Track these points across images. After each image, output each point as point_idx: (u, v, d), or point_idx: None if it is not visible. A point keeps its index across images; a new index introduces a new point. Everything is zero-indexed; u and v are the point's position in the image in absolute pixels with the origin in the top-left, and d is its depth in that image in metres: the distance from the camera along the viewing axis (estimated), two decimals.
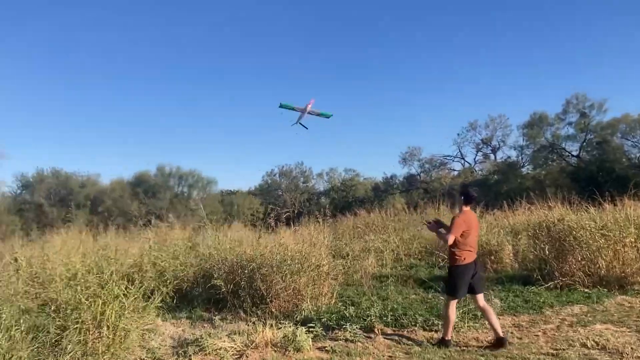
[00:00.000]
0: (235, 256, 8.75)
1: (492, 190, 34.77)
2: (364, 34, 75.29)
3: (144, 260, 8.87)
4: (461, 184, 8.20)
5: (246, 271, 8.32)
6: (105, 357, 5.02)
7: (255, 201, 42.75)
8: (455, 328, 6.65)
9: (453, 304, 6.10)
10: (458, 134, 46.36)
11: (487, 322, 6.22)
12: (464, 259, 6.05)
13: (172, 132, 71.76)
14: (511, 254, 11.85)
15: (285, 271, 8.12)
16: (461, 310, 6.92)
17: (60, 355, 4.68)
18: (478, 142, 45.75)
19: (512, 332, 6.54)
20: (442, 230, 6.25)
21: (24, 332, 4.68)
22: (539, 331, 6.56)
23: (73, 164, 77.60)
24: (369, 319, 7.06)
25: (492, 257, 11.91)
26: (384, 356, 5.78)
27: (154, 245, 9.69)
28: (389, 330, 6.81)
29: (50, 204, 32.35)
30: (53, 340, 4.80)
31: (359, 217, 20.67)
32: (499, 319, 7.11)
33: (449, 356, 5.66)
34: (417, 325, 6.86)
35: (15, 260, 10.79)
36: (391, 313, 7.35)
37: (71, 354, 4.74)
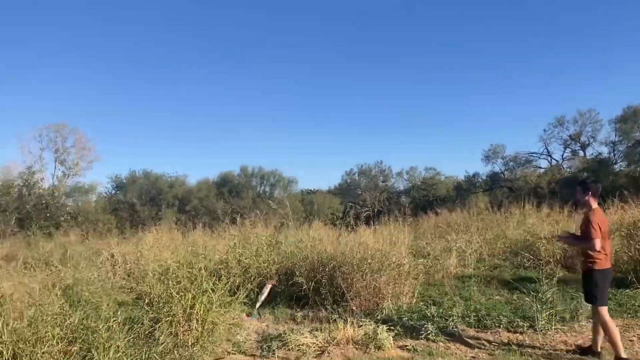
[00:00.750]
0: (316, 254, 8.92)
1: None
2: (451, 29, 73.53)
3: (229, 257, 9.22)
4: (581, 179, 7.41)
5: (327, 269, 8.45)
6: (194, 349, 5.28)
7: (334, 200, 43.01)
8: (542, 330, 6.43)
9: (605, 311, 5.36)
10: (544, 130, 44.25)
11: (605, 336, 5.48)
12: (603, 263, 5.39)
13: (254, 133, 73.45)
14: None
15: (365, 270, 8.17)
16: (548, 313, 6.66)
17: (153, 346, 4.98)
18: (566, 138, 43.43)
19: (604, 337, 6.21)
20: (578, 241, 5.61)
21: (120, 324, 5.02)
22: (634, 336, 6.20)
23: (162, 165, 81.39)
24: (450, 319, 6.97)
25: (582, 259, 11.33)
26: (466, 357, 5.69)
27: (239, 242, 10.02)
28: (471, 331, 6.68)
29: (141, 203, 34.23)
30: (147, 332, 5.12)
31: (440, 216, 20.39)
32: (590, 322, 6.81)
33: (535, 359, 5.47)
34: (501, 326, 6.69)
35: (112, 256, 11.58)
36: (474, 314, 7.22)
37: (163, 345, 5.03)
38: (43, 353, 4.45)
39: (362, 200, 44.02)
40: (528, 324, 6.67)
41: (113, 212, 33.40)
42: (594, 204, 5.54)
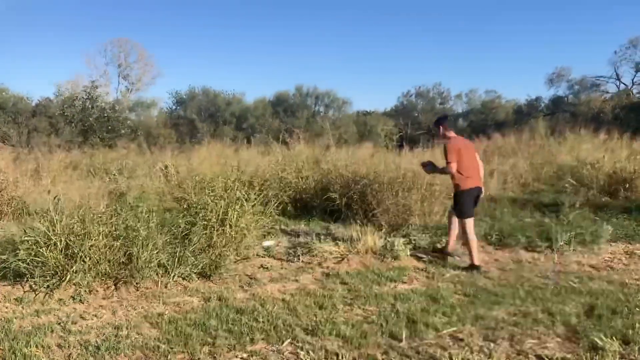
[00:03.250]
0: (350, 172, 9.30)
1: None
2: None
3: (267, 171, 9.77)
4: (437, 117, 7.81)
5: (359, 186, 8.84)
6: (223, 249, 5.88)
7: (389, 122, 42.75)
8: (559, 250, 6.66)
9: (469, 224, 6.19)
10: (615, 52, 41.58)
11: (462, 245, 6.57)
12: (465, 184, 6.21)
13: (311, 53, 72.71)
14: None
15: (396, 188, 8.50)
16: (568, 234, 6.84)
17: (187, 245, 5.60)
18: (638, 61, 40.74)
19: (620, 259, 6.40)
20: (439, 166, 6.46)
21: (158, 225, 5.64)
22: None
23: (220, 82, 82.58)
24: None
25: (626, 185, 11.21)
26: None
27: (282, 159, 10.54)
28: (490, 249, 6.98)
29: (200, 119, 35.32)
30: (183, 234, 5.74)
31: (491, 141, 20.16)
32: (611, 245, 6.96)
33: (544, 275, 5.75)
34: (519, 245, 6.94)
35: (166, 167, 12.40)
36: (497, 233, 7.47)
37: (196, 244, 5.65)
38: (90, 246, 5.12)
39: (417, 123, 43.56)
40: (547, 244, 6.89)
41: (173, 127, 34.72)
42: (451, 133, 6.38)
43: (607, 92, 41.94)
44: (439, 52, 68.94)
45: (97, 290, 5.16)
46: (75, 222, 5.30)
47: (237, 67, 71.97)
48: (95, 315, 4.61)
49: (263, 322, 4.39)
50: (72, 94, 26.62)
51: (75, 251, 5.11)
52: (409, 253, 6.44)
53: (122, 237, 5.34)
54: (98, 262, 5.20)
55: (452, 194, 6.49)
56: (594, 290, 5.10)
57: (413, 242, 6.98)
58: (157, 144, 23.61)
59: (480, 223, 7.84)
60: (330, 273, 5.87)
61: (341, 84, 71.03)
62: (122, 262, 5.33)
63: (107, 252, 5.27)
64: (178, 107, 40.52)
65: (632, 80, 41.77)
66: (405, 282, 5.56)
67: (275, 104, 40.72)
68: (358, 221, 8.37)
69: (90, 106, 24.38)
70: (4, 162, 10.69)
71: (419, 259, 6.46)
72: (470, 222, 6.22)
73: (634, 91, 40.77)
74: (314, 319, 4.46)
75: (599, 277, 5.62)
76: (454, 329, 4.20)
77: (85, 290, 5.08)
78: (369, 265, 6.10)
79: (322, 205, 9.27)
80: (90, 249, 5.14)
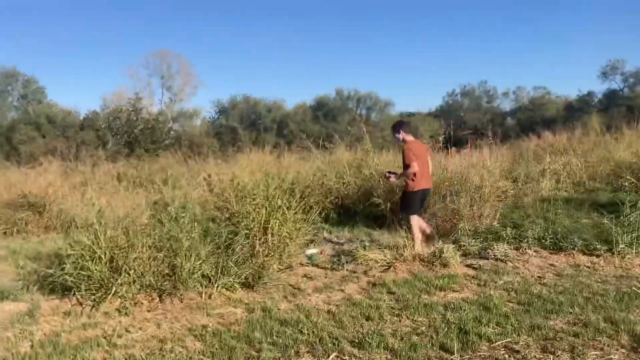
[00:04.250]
0: None
1: None
2: None
3: (308, 178, 9.65)
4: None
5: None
6: (266, 258, 5.78)
7: (434, 123, 42.10)
8: (620, 253, 6.26)
9: (414, 220, 6.66)
10: None
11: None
12: (416, 185, 6.61)
13: (351, 55, 72.64)
14: None
15: (444, 192, 8.23)
16: (630, 236, 6.42)
17: (230, 255, 5.52)
18: None
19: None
20: (398, 172, 6.83)
21: (201, 235, 5.60)
22: None
23: (261, 90, 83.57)
24: (525, 240, 6.93)
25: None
26: (532, 276, 5.71)
27: (323, 165, 10.41)
28: (545, 253, 6.63)
29: (242, 127, 35.70)
30: (226, 244, 5.67)
31: (542, 139, 19.50)
32: None
33: (604, 280, 5.40)
34: (576, 248, 6.56)
35: (209, 176, 12.47)
36: (551, 236, 7.10)
37: (238, 255, 5.56)
38: (134, 258, 5.11)
39: (463, 123, 42.74)
40: (607, 247, 6.48)
41: (216, 136, 35.21)
42: (409, 137, 6.80)
43: None
44: (484, 49, 67.61)
45: (141, 303, 5.14)
46: (119, 234, 5.31)
47: (277, 73, 72.61)
48: (140, 328, 4.57)
49: (308, 334, 4.24)
50: (117, 107, 27.33)
51: (120, 264, 5.11)
52: (459, 260, 6.16)
53: (165, 249, 5.32)
54: (142, 275, 5.18)
55: (401, 193, 6.94)
56: None
57: (463, 248, 6.70)
58: (200, 153, 23.92)
59: (533, 226, 7.49)
60: (377, 282, 5.68)
61: (382, 86, 70.35)
62: (166, 273, 5.30)
63: (151, 263, 5.25)
64: (220, 116, 41.16)
65: None
66: (455, 291, 5.30)
67: (316, 109, 40.83)
68: (404, 227, 8.16)
69: (134, 118, 24.93)
70: (52, 176, 10.96)
71: (469, 266, 6.18)
72: (415, 219, 6.71)
73: None
74: (361, 330, 4.28)
75: None
76: (509, 339, 3.94)
77: (130, 303, 5.07)
78: (417, 274, 5.87)
79: (365, 211, 9.09)
80: (134, 261, 5.13)
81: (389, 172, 7.02)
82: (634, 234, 6.47)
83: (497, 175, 9.59)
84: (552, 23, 67.06)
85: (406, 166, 6.54)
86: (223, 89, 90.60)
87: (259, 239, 5.98)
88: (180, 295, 5.22)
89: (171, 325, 4.63)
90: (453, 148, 12.38)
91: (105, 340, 4.31)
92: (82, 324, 4.70)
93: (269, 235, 6.01)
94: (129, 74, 43.86)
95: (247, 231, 5.93)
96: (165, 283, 5.24)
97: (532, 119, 42.70)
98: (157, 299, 5.24)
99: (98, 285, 5.10)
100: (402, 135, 6.77)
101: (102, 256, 5.12)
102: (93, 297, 5.07)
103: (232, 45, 73.12)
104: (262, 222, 6.00)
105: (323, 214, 8.46)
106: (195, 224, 5.57)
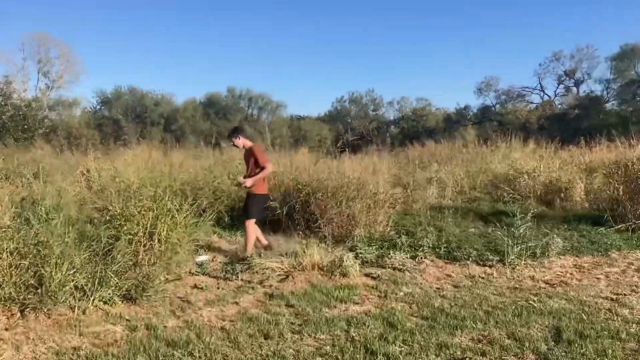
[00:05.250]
0: (291, 180, 8.77)
1: (570, 125, 32.81)
2: None
3: (199, 178, 9.06)
4: (232, 128, 8.44)
5: (301, 195, 8.33)
6: (153, 267, 5.18)
7: (323, 127, 42.57)
8: (511, 264, 6.42)
9: (253, 224, 6.79)
10: (540, 65, 43.58)
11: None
12: (262, 189, 6.85)
13: (245, 54, 71.68)
14: (582, 193, 11.24)
15: (340, 197, 8.07)
16: (519, 247, 6.63)
17: (110, 263, 4.85)
18: (561, 74, 42.82)
19: (572, 273, 6.21)
20: (255, 175, 6.72)
21: (76, 240, 4.87)
22: (601, 274, 6.19)
23: (148, 82, 79.80)
24: (420, 249, 6.92)
25: (562, 195, 11.35)
26: (431, 287, 5.64)
27: (213, 164, 9.84)
28: (440, 263, 6.65)
29: (127, 120, 33.63)
30: (105, 250, 4.97)
31: (426, 148, 20.27)
32: (560, 259, 6.82)
33: (500, 293, 5.44)
34: (471, 259, 6.65)
35: (88, 171, 11.35)
36: (445, 245, 7.18)
37: (120, 263, 4.90)
38: None
39: (350, 129, 43.61)
40: (498, 258, 6.63)
41: (97, 128, 32.84)
42: (248, 143, 6.93)
43: (532, 103, 43.84)
44: (371, 59, 69.87)
45: None
46: None
47: (166, 67, 69.81)
48: None
49: (200, 357, 3.76)
50: None
51: None
52: (358, 269, 5.96)
53: (31, 255, 4.55)
54: (0, 286, 4.39)
55: (246, 197, 6.87)
56: (556, 310, 4.81)
57: (360, 256, 6.53)
58: (78, 145, 22.09)
59: (427, 234, 7.54)
60: (274, 293, 5.29)
61: (274, 88, 70.22)
62: (31, 284, 4.53)
63: (12, 272, 4.47)
64: (102, 107, 38.53)
65: (555, 92, 43.92)
66: (357, 303, 5.06)
67: (207, 105, 39.61)
68: (300, 232, 7.88)
69: (3, 103, 22.41)
70: None
71: (368, 275, 6.01)
72: (253, 223, 6.78)
73: (557, 102, 42.78)
74: (259, 352, 3.87)
75: (556, 294, 5.36)
76: None
77: None
78: (316, 284, 5.57)
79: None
80: None
81: (242, 180, 6.86)
82: (522, 246, 6.68)
83: (383, 181, 9.63)
84: (435, 38, 70.83)
85: (259, 167, 6.69)
86: (109, 80, 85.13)
87: (144, 245, 5.36)
88: (48, 310, 4.47)
89: (34, 347, 3.91)
90: (345, 153, 12.41)
91: None
92: None
93: (156, 241, 5.40)
94: (1, 57, 39.41)
95: (131, 236, 5.28)
96: (30, 296, 4.47)
97: (415, 129, 44.69)
98: (19, 314, 4.45)
99: None
100: (241, 141, 6.88)
101: None
102: None
103: (120, 35, 68.85)
104: (149, 226, 5.37)
105: (215, 217, 7.92)
106: (70, 227, 4.83)
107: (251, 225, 6.74)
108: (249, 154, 6.81)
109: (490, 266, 6.47)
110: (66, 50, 40.65)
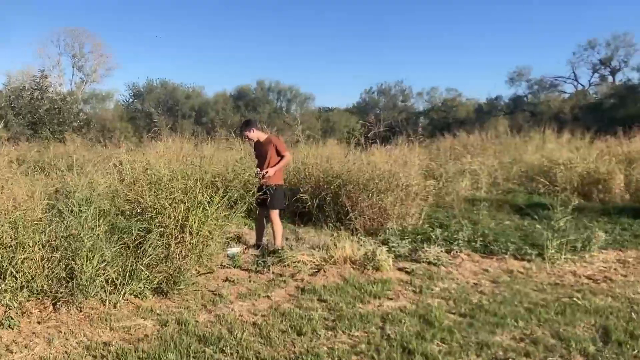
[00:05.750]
0: (321, 172, 8.65)
1: (606, 115, 31.78)
2: None
3: (229, 170, 9.01)
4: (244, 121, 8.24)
5: (332, 187, 8.21)
6: (184, 261, 5.11)
7: (352, 119, 42.26)
8: (550, 259, 6.18)
9: (277, 214, 6.65)
10: (573, 53, 42.37)
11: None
12: (282, 179, 6.84)
13: (272, 47, 71.64)
14: (622, 184, 10.84)
15: (372, 189, 7.92)
16: (559, 241, 6.37)
17: (142, 256, 4.80)
18: (595, 62, 41.55)
19: (616, 269, 5.94)
20: (275, 165, 6.57)
21: (107, 232, 4.83)
22: None
23: (179, 76, 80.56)
24: (455, 242, 6.72)
25: (600, 187, 10.97)
26: (468, 283, 5.46)
27: (244, 156, 9.75)
28: (476, 257, 6.44)
29: (158, 113, 33.89)
30: (136, 242, 4.92)
31: (457, 139, 19.90)
32: (602, 253, 6.55)
33: (541, 289, 5.22)
34: (508, 253, 6.42)
35: (120, 163, 11.41)
36: (481, 238, 6.96)
37: (151, 256, 4.85)
38: (24, 259, 4.30)
39: (379, 120, 43.29)
40: (537, 252, 6.40)
41: (130, 121, 33.24)
42: (262, 134, 6.86)
43: (565, 92, 42.70)
44: (401, 50, 69.07)
45: (31, 312, 4.32)
46: (5, 229, 4.45)
47: (197, 60, 70.27)
48: (26, 346, 3.79)
49: (231, 354, 3.67)
50: (20, 84, 24.94)
51: (4, 265, 4.28)
52: (391, 263, 5.80)
53: (62, 248, 4.53)
54: (33, 279, 4.38)
55: (268, 189, 6.52)
56: (601, 308, 4.58)
57: (393, 249, 6.37)
58: (112, 138, 22.33)
59: (463, 228, 7.32)
60: (306, 288, 5.18)
61: (303, 80, 69.95)
62: (63, 277, 4.51)
63: (44, 265, 4.45)
64: (135, 100, 38.97)
65: (589, 81, 42.65)
66: (391, 299, 4.92)
67: (237, 98, 39.69)
68: (330, 225, 7.76)
69: (39, 97, 22.79)
70: None
71: (402, 270, 5.85)
72: (277, 213, 6.66)
73: (591, 91, 41.57)
74: (292, 349, 3.76)
75: (601, 291, 5.12)
76: None
77: (16, 313, 4.25)
78: (349, 278, 5.43)
79: (290, 207, 8.58)
80: (23, 263, 4.32)
81: (263, 171, 6.58)
82: (562, 239, 6.42)
83: (415, 173, 9.42)
84: (467, 26, 69.51)
85: (279, 157, 6.60)
86: (140, 73, 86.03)
87: (175, 238, 5.29)
88: (79, 303, 4.44)
89: (65, 342, 3.87)
90: (375, 145, 12.20)
91: None
92: None
93: (187, 233, 5.33)
94: (38, 52, 40.12)
95: (162, 229, 5.22)
96: (61, 289, 4.45)
97: (445, 119, 44.04)
98: (51, 307, 4.43)
99: None
100: (255, 133, 6.78)
101: None
102: None
103: (151, 29, 69.48)
104: (180, 218, 5.30)
105: (245, 209, 7.85)
106: (101, 220, 4.79)
107: (277, 216, 6.62)
108: (266, 144, 6.65)
109: (528, 260, 6.24)
110: (99, 45, 41.31)
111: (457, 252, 6.48)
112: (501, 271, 5.89)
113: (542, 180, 11.86)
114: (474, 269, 5.98)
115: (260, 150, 6.74)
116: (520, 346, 3.80)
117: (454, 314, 4.52)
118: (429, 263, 6.06)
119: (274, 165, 6.55)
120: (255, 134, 6.77)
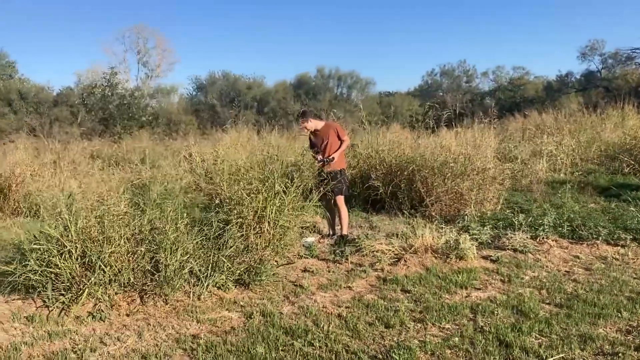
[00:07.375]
0: (393, 157, 8.44)
1: None
2: None
3: (301, 159, 8.94)
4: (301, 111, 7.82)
5: (405, 173, 8.00)
6: (265, 252, 5.09)
7: (414, 102, 41.47)
8: None
9: (343, 200, 6.59)
10: None
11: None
12: (344, 164, 6.79)
13: (332, 34, 71.23)
14: None
15: (447, 174, 7.65)
16: None
17: (222, 248, 4.80)
18: None
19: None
20: (339, 150, 6.57)
21: (188, 225, 4.86)
22: None
23: (240, 67, 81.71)
24: (541, 228, 6.36)
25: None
26: (559, 271, 5.15)
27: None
28: (564, 243, 6.08)
29: (221, 104, 34.50)
30: (216, 234, 4.93)
31: (528, 118, 19.11)
32: None
33: (638, 276, 4.85)
34: (600, 238, 6.02)
35: (190, 155, 11.64)
36: (567, 223, 6.55)
37: (232, 248, 4.85)
38: (111, 253, 4.38)
39: (442, 102, 42.25)
40: (631, 237, 5.97)
41: (194, 113, 34.01)
42: (319, 123, 6.81)
43: None
44: (462, 29, 67.11)
45: (119, 305, 4.41)
46: (93, 224, 4.55)
47: (256, 50, 70.98)
48: (119, 339, 3.85)
49: (320, 347, 3.58)
50: (91, 82, 26.02)
51: (93, 259, 4.38)
52: (475, 252, 5.55)
53: (147, 241, 4.59)
54: (120, 272, 4.47)
55: (332, 175, 6.49)
56: None
57: (474, 236, 6.10)
58: (178, 130, 22.95)
59: (547, 212, 6.93)
60: (387, 277, 5.04)
61: (361, 65, 69.11)
62: (148, 270, 4.58)
63: (130, 259, 4.53)
64: (198, 93, 39.84)
65: None
66: (478, 289, 4.70)
67: (297, 87, 39.76)
68: (405, 212, 7.55)
69: (109, 93, 23.70)
70: (19, 154, 10.03)
71: (486, 258, 5.59)
72: (343, 198, 6.60)
73: None
74: (382, 342, 3.64)
75: None
76: (562, 355, 3.34)
77: (106, 306, 4.34)
78: (431, 268, 5.24)
79: (362, 194, 8.45)
80: (110, 257, 4.40)
81: (325, 158, 6.58)
82: None
83: (491, 155, 9.03)
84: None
85: (340, 142, 6.62)
86: (200, 66, 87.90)
87: (254, 229, 5.28)
88: (165, 295, 4.50)
89: (155, 334, 3.92)
90: (443, 128, 11.84)
91: (76, 355, 3.59)
92: (47, 332, 3.96)
93: (266, 224, 5.30)
94: (103, 49, 41.74)
95: (241, 220, 5.21)
96: (148, 282, 4.52)
97: (512, 99, 42.48)
98: (138, 300, 4.51)
99: (68, 284, 4.35)
100: (313, 123, 6.76)
101: (73, 250, 4.37)
102: (62, 298, 4.33)
103: (210, 22, 70.76)
104: (259, 209, 5.28)
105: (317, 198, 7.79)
106: (181, 212, 4.83)
107: (343, 202, 6.57)
108: (326, 131, 6.65)
109: (623, 246, 5.82)
110: (162, 40, 42.46)
111: (543, 238, 6.13)
112: (594, 258, 5.53)
113: (625, 158, 11.15)
114: (563, 255, 5.64)
115: (320, 138, 6.71)
116: (628, 339, 3.51)
117: (548, 304, 4.25)
118: (515, 250, 5.77)
119: (336, 150, 6.54)
120: (313, 124, 6.76)
